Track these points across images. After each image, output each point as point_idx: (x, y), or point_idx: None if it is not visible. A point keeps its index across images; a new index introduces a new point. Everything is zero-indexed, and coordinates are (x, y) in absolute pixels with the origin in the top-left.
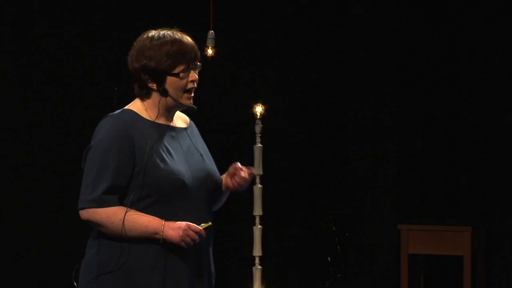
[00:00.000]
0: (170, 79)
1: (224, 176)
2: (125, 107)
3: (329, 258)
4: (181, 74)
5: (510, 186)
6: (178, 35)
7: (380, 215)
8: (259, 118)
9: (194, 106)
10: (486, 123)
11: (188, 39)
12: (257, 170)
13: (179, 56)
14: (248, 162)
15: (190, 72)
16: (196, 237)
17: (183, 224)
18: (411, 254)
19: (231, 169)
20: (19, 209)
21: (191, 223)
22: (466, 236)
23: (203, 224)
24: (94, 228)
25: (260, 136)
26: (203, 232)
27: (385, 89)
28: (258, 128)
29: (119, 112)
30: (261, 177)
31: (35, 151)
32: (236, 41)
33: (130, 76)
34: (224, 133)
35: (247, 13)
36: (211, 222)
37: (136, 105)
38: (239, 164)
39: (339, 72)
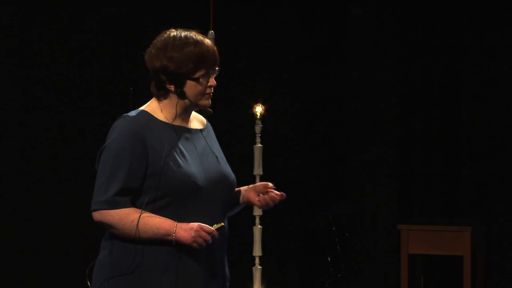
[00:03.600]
0: (189, 83)
1: (244, 189)
2: (140, 108)
3: (329, 258)
4: (200, 79)
5: (510, 186)
6: (200, 37)
7: (380, 215)
8: (259, 118)
9: (210, 110)
10: (486, 123)
11: (209, 42)
12: (257, 170)
13: (201, 60)
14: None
15: (209, 77)
16: (209, 237)
17: (195, 225)
18: (411, 254)
19: (261, 186)
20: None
21: (203, 224)
22: (466, 236)
23: (215, 225)
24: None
25: (260, 136)
26: (215, 233)
27: (385, 89)
28: (258, 128)
29: (133, 113)
30: (261, 177)
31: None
32: (236, 41)
33: (147, 75)
34: (224, 133)
35: (247, 13)
36: (224, 223)
37: (151, 106)
38: (271, 185)
39: (339, 72)
